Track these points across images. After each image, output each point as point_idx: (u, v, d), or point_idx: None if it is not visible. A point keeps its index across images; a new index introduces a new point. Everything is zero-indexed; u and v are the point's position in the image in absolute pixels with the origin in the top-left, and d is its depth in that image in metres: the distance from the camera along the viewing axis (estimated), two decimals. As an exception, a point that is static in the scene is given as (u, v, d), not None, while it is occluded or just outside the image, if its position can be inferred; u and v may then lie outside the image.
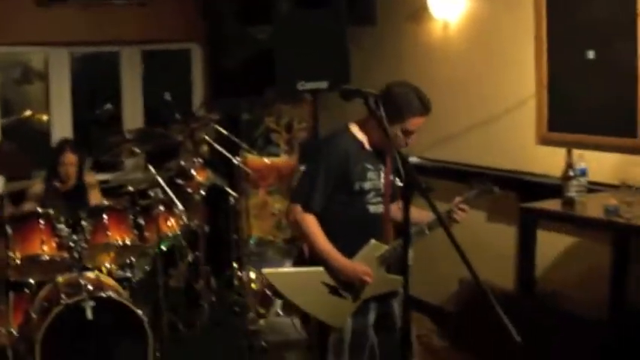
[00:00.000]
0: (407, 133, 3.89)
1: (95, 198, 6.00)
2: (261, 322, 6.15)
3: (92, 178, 6.17)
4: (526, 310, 5.01)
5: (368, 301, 4.02)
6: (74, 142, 6.12)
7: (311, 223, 3.90)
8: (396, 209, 4.09)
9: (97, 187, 6.14)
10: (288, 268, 4.34)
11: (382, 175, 4.00)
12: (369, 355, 4.11)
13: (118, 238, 5.41)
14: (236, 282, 6.49)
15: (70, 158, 5.84)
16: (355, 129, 4.02)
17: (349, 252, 3.92)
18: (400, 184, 3.13)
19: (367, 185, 3.94)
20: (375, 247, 3.94)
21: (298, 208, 3.91)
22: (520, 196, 5.33)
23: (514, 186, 5.49)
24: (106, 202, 5.60)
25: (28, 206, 5.69)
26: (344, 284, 3.92)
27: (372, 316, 4.07)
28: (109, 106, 7.80)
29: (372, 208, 3.99)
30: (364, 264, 3.90)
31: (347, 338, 4.01)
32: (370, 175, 3.95)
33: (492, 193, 4.15)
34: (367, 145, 3.98)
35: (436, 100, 6.25)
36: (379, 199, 4.00)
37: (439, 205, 3.80)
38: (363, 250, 3.94)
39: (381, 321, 4.14)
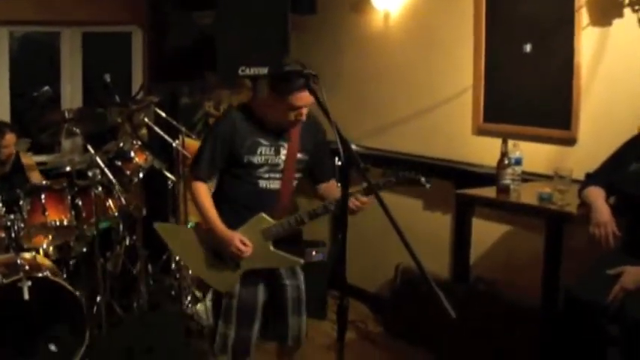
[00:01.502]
0: (293, 108, 3.89)
1: (35, 178, 5.93)
2: (198, 305, 6.17)
3: (30, 159, 6.08)
4: (461, 297, 5.08)
5: (257, 275, 4.10)
6: (8, 123, 6.02)
7: (199, 190, 4.03)
8: (329, 187, 4.21)
9: (36, 168, 6.05)
10: (179, 225, 4.32)
11: (283, 151, 4.04)
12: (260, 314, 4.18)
13: (56, 218, 5.37)
14: (173, 266, 6.45)
15: (8, 139, 5.75)
16: (254, 106, 4.09)
17: (237, 223, 4.01)
18: (339, 162, 3.11)
19: (257, 159, 3.99)
20: (260, 220, 4.00)
21: (191, 177, 4.09)
22: (456, 184, 5.41)
23: (451, 175, 5.60)
24: (44, 182, 5.53)
25: None
26: (225, 252, 4.02)
27: (261, 290, 4.16)
28: (47, 88, 7.70)
29: (262, 183, 4.03)
30: (246, 236, 3.98)
31: (234, 305, 4.11)
32: (262, 149, 3.99)
33: (419, 184, 4.00)
34: (266, 122, 4.01)
35: (375, 90, 6.42)
36: (275, 174, 4.05)
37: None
38: (249, 222, 4.01)
39: (274, 299, 4.24)
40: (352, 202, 3.81)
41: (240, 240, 3.95)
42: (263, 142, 4.00)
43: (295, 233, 4.21)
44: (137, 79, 7.75)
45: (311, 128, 4.11)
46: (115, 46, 7.89)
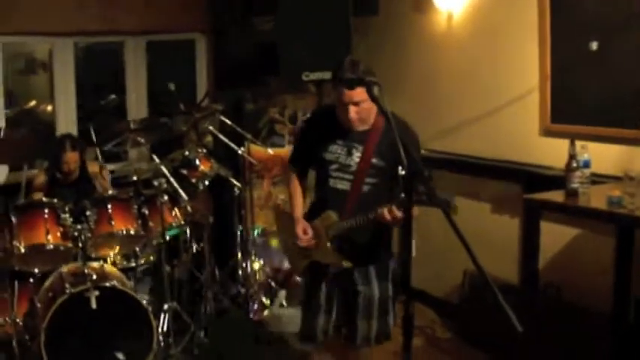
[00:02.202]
0: (342, 104, 3.97)
1: (102, 186, 6.01)
2: (266, 312, 6.23)
3: (96, 167, 6.16)
4: (530, 302, 4.97)
5: (324, 271, 4.26)
6: (73, 138, 6.09)
7: (289, 179, 4.44)
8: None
9: (104, 177, 6.14)
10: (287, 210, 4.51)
11: (356, 153, 4.08)
12: (325, 308, 4.32)
13: (122, 227, 5.42)
14: (240, 273, 6.49)
15: (69, 156, 5.86)
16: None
17: (314, 215, 4.21)
18: (402, 172, 3.11)
19: (328, 157, 4.11)
20: (327, 217, 4.11)
21: (287, 166, 4.49)
22: (524, 187, 5.34)
23: (518, 177, 5.52)
24: (110, 192, 5.59)
25: (35, 196, 5.70)
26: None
27: (324, 287, 4.30)
28: (113, 96, 7.81)
29: (331, 182, 4.13)
30: (314, 229, 4.16)
31: (302, 292, 4.45)
32: (335, 148, 4.11)
33: (449, 208, 3.90)
34: (358, 126, 4.06)
35: (440, 92, 6.36)
36: (345, 175, 4.10)
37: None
38: (321, 216, 4.15)
39: (347, 303, 4.33)
40: (387, 214, 3.82)
41: (303, 228, 4.16)
42: (338, 141, 4.11)
43: (376, 238, 4.19)
44: (202, 86, 7.82)
45: (401, 136, 4.01)
46: (179, 53, 7.96)
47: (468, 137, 6.10)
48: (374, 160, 4.07)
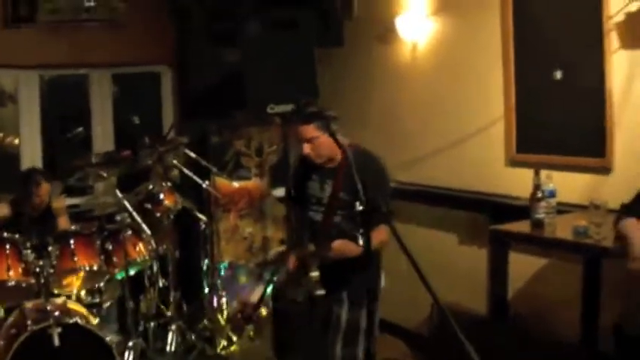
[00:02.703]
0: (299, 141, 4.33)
1: (63, 223, 5.92)
2: (233, 347, 6.15)
3: (60, 203, 6.08)
4: (499, 334, 4.97)
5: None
6: (43, 171, 6.02)
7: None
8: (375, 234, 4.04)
9: (65, 212, 6.06)
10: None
11: (327, 188, 4.33)
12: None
13: (85, 263, 5.34)
14: (207, 307, 6.40)
15: (43, 188, 5.77)
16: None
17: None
18: (360, 207, 3.16)
19: (308, 191, 4.48)
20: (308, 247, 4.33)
21: None
22: (490, 217, 5.31)
23: (484, 208, 5.50)
24: (73, 227, 5.50)
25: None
26: None
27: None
28: (80, 129, 7.71)
29: (310, 214, 4.46)
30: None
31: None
32: (311, 184, 4.46)
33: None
34: (317, 160, 4.36)
35: (404, 122, 6.34)
36: (319, 208, 4.39)
37: (406, 227, 3.91)
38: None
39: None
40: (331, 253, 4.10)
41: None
42: (313, 177, 4.45)
43: (351, 265, 4.18)
44: (167, 118, 7.75)
45: (362, 170, 3.85)
46: (144, 86, 7.90)
47: (434, 168, 6.09)
48: (341, 194, 4.16)
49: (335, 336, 4.40)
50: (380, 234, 3.97)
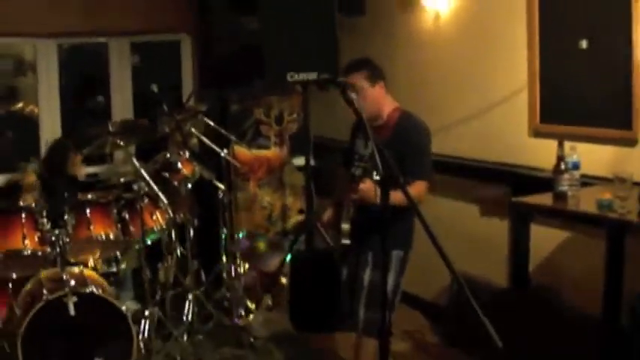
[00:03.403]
0: None
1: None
2: (251, 317, 6.12)
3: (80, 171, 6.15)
4: (519, 306, 4.94)
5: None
6: (72, 142, 6.04)
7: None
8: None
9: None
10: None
11: (370, 145, 4.25)
12: None
13: (102, 232, 5.32)
14: (225, 277, 6.34)
15: (77, 159, 5.94)
16: None
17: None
18: (377, 177, 3.16)
19: (355, 149, 4.64)
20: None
21: None
22: (513, 189, 5.20)
23: (507, 179, 5.40)
24: (89, 196, 5.44)
25: (26, 198, 5.60)
26: None
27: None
28: (100, 98, 7.68)
29: (352, 169, 4.50)
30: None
31: None
32: (358, 142, 4.62)
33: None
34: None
35: (427, 92, 6.21)
36: (361, 163, 4.43)
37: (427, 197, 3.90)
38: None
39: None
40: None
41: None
42: (360, 135, 4.60)
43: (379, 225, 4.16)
44: (187, 87, 7.72)
45: (403, 132, 4.43)
46: (163, 54, 7.88)
47: (456, 138, 5.96)
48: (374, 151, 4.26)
49: (358, 298, 4.42)
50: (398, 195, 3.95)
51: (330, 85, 3.96)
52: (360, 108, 3.40)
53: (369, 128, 3.17)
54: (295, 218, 7.09)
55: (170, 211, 5.53)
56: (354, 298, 4.42)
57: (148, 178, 5.26)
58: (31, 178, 5.92)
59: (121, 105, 7.44)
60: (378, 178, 3.09)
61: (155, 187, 5.28)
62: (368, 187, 4.12)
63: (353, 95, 3.49)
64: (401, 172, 4.30)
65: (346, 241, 4.22)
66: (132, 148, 5.70)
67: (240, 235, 6.82)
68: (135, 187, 5.37)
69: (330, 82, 4.01)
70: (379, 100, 4.49)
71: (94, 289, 4.87)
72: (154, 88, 6.31)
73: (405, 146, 4.35)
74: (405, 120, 4.49)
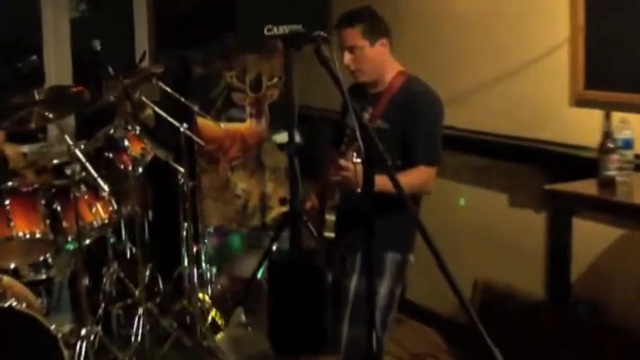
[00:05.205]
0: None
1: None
2: (219, 335, 6.11)
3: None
4: (558, 324, 4.95)
5: None
6: None
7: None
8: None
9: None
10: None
11: (365, 115, 4.45)
12: None
13: (26, 229, 5.16)
14: (187, 285, 6.30)
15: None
16: None
17: None
18: (358, 160, 3.26)
19: (346, 120, 4.46)
20: None
21: None
22: (550, 173, 5.16)
23: (543, 160, 5.38)
24: (9, 183, 5.33)
25: None
26: None
27: None
28: (34, 58, 7.58)
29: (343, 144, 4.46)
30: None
31: None
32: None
33: None
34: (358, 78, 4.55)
35: (443, 48, 6.17)
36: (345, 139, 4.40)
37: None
38: None
39: None
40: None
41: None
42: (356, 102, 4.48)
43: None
44: (141, 46, 7.72)
45: (407, 100, 4.40)
46: (112, 6, 7.90)
47: (479, 107, 5.95)
48: (379, 122, 4.39)
49: (343, 311, 4.44)
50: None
51: (303, 40, 3.78)
52: (336, 69, 3.37)
53: (347, 95, 3.15)
54: (276, 210, 7.12)
55: (114, 202, 5.46)
56: (337, 312, 4.39)
57: (83, 159, 5.14)
58: None
59: (57, 67, 7.42)
60: (359, 160, 3.09)
61: (93, 172, 5.17)
62: (346, 165, 4.07)
63: (326, 53, 3.46)
64: (399, 153, 4.34)
65: (330, 235, 4.33)
66: (67, 123, 5.58)
67: (207, 232, 6.80)
68: (68, 171, 5.24)
69: (301, 36, 3.92)
70: (380, 62, 4.47)
71: (14, 303, 4.79)
72: (97, 45, 6.16)
73: (410, 120, 4.35)
74: (411, 87, 4.45)
